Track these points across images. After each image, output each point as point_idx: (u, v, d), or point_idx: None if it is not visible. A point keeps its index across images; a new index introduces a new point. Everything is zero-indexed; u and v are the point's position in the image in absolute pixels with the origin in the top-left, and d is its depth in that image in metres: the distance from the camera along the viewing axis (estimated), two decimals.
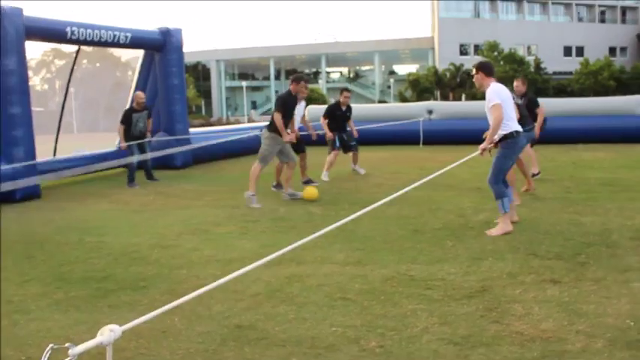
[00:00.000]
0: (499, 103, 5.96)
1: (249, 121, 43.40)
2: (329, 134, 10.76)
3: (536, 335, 3.47)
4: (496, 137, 6.08)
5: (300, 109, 9.51)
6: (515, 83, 9.75)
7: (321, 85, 68.62)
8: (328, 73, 76.76)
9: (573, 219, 6.63)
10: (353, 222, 4.68)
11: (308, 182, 9.55)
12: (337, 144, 10.91)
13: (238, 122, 38.61)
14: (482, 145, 6.11)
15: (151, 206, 8.62)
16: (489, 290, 4.28)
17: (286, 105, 8.45)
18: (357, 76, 77.41)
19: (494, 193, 6.18)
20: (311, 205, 8.04)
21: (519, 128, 6.23)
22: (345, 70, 79.65)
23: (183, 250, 5.83)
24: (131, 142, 10.83)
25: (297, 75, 9.17)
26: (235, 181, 10.84)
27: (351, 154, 11.36)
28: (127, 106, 11.86)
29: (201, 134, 15.32)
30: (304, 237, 3.64)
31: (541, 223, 6.47)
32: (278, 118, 8.24)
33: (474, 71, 6.39)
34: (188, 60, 37.87)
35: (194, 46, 74.30)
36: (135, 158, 10.54)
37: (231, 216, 7.54)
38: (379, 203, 4.71)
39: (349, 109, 11.14)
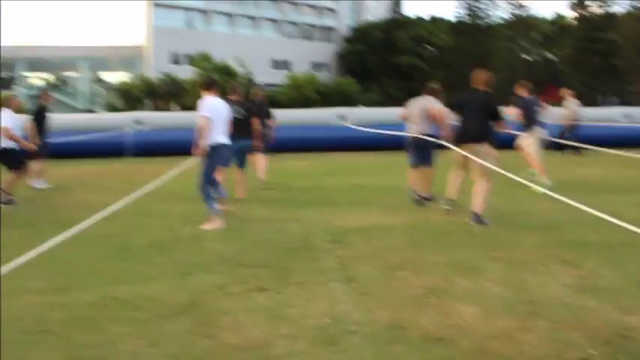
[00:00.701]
0: (205, 116, 6.70)
1: None
2: (37, 140, 10.36)
3: (245, 345, 3.51)
4: (206, 146, 6.71)
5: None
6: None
7: (19, 92, 62.53)
8: (27, 78, 70.53)
9: (280, 226, 6.95)
10: (53, 245, 4.26)
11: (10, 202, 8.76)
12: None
13: None
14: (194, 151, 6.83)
15: None
16: (199, 305, 4.22)
17: None
18: (62, 83, 72.35)
19: (202, 196, 6.86)
20: (3, 229, 7.13)
21: (225, 141, 6.95)
22: (48, 75, 73.92)
23: None
24: None
25: None
26: None
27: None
28: None
29: None
30: None
31: (249, 232, 6.65)
32: None
33: None
34: None
35: None
36: None
37: None
38: (84, 224, 4.37)
39: None
